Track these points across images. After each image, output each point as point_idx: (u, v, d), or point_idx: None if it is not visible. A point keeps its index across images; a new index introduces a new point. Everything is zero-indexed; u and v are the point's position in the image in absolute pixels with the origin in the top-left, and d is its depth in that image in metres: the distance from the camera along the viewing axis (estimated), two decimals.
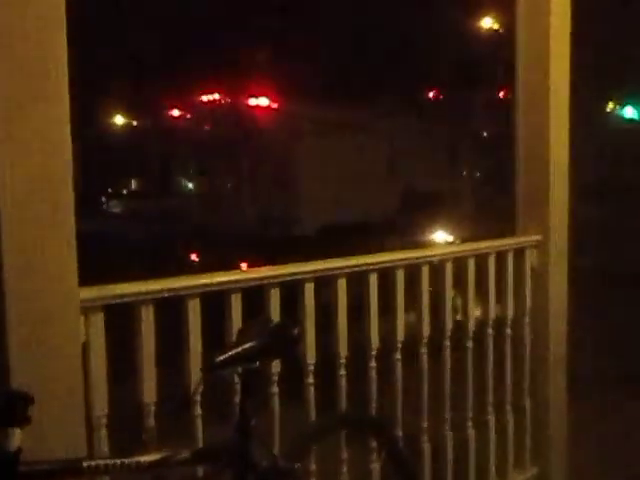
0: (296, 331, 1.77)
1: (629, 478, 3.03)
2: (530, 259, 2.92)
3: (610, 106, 18.08)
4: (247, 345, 1.68)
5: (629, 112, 16.40)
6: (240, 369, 1.69)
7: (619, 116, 16.92)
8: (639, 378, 3.87)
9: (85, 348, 1.72)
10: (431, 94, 20.71)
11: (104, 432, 1.78)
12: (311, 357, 2.21)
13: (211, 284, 1.95)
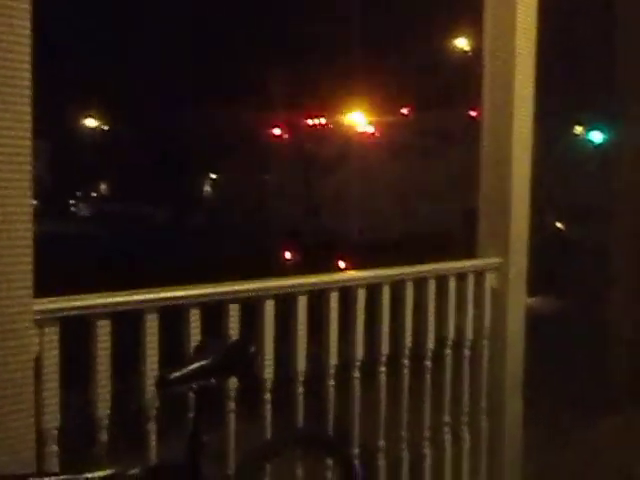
0: (252, 349, 1.77)
1: None
2: (490, 281, 2.97)
3: (578, 130, 18.43)
4: (202, 362, 1.68)
5: (597, 137, 16.71)
6: (195, 386, 1.69)
7: (587, 140, 17.24)
8: (590, 402, 3.95)
9: (37, 361, 1.70)
10: (405, 110, 21.05)
11: (54, 447, 1.76)
12: (269, 374, 2.21)
13: (169, 298, 1.94)
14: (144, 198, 24.94)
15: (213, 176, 29.84)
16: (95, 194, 30.69)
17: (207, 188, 27.49)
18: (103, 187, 31.93)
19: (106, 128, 28.20)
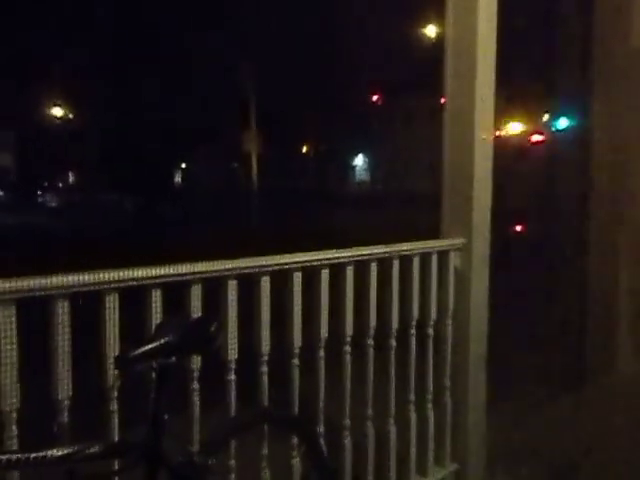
0: (214, 327, 1.77)
1: (544, 476, 3.15)
2: (454, 261, 3.01)
3: (545, 118, 18.69)
4: (163, 340, 1.67)
5: (563, 123, 16.94)
6: (155, 364, 1.69)
7: (553, 127, 17.47)
8: (556, 377, 4.04)
9: None
10: (375, 98, 21.19)
11: (14, 428, 1.74)
12: (232, 354, 2.22)
13: (129, 279, 1.93)
14: (117, 188, 24.53)
15: (183, 165, 29.57)
16: (62, 184, 30.25)
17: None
18: (71, 177, 31.49)
19: (72, 117, 27.72)
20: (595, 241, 4.06)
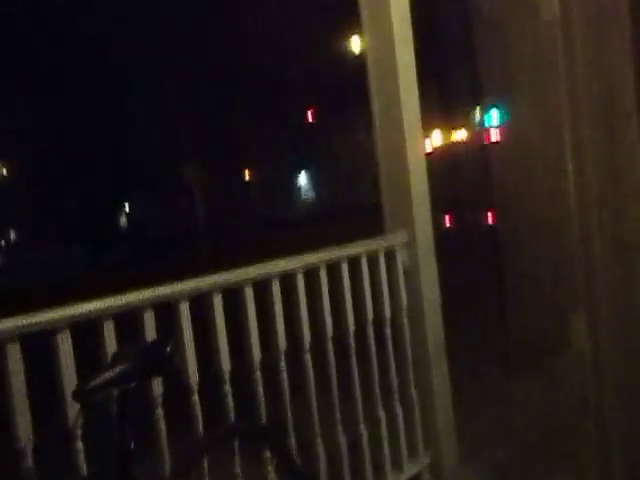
0: (169, 347, 1.78)
1: (514, 452, 3.21)
2: (401, 258, 3.07)
3: (477, 113, 19.12)
4: (120, 367, 1.68)
5: (494, 116, 17.35)
6: (115, 392, 1.68)
7: (483, 121, 17.89)
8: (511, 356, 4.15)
9: None
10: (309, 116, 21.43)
11: None
12: (193, 375, 2.22)
13: (79, 315, 1.92)
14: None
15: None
16: (4, 242, 29.48)
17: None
18: (12, 235, 30.67)
19: (5, 173, 27.10)
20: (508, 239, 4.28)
